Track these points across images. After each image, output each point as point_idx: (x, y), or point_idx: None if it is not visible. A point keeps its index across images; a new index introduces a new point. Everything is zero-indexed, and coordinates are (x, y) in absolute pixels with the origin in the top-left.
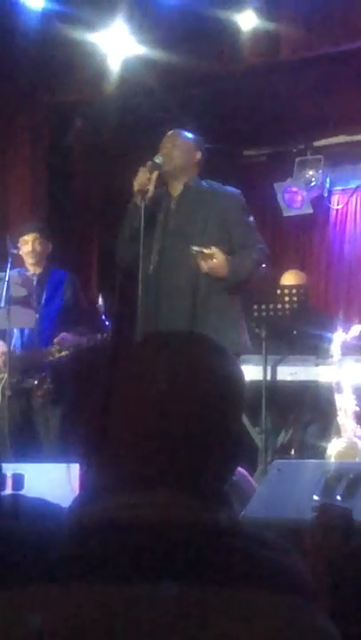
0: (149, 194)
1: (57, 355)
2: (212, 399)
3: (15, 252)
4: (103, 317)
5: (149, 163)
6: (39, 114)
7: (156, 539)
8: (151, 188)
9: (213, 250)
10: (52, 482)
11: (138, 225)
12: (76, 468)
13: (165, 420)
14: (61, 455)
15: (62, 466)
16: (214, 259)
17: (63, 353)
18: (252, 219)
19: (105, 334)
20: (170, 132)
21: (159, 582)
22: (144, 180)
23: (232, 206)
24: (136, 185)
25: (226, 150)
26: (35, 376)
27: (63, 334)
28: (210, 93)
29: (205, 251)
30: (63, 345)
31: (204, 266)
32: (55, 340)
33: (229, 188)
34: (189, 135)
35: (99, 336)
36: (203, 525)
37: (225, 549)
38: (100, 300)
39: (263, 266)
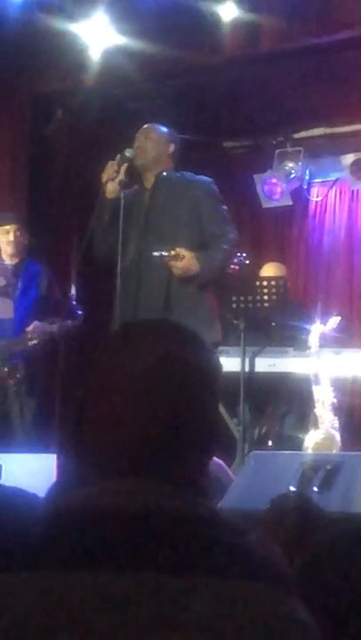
0: (116, 186)
1: (29, 343)
2: (188, 388)
3: None
4: (74, 305)
5: (118, 156)
6: (20, 104)
7: (133, 527)
8: (119, 179)
9: (178, 250)
10: (31, 472)
11: (108, 218)
12: (53, 459)
13: (141, 409)
14: (36, 445)
15: (41, 456)
16: (182, 258)
17: (35, 341)
18: (224, 207)
19: (75, 321)
20: (145, 126)
21: (135, 571)
22: (112, 172)
23: (204, 194)
24: (104, 177)
25: (206, 142)
26: (6, 364)
27: (35, 323)
28: (190, 84)
29: (169, 253)
30: (34, 333)
31: (175, 270)
32: (27, 329)
33: (201, 177)
34: (163, 128)
35: (69, 323)
36: (179, 514)
37: (202, 538)
38: (73, 289)
39: (238, 255)
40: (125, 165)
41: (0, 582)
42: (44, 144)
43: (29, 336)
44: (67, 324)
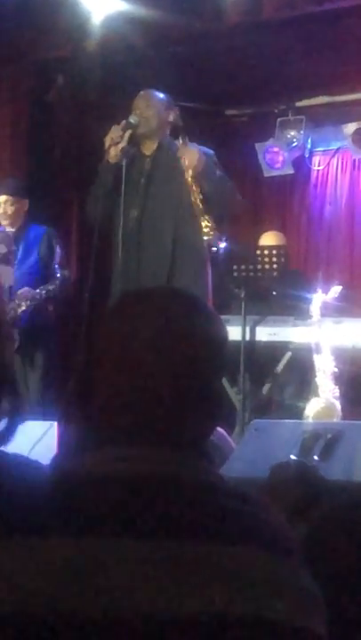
0: (118, 151)
1: (18, 310)
2: (193, 356)
3: None
4: (56, 267)
5: (124, 122)
6: (21, 70)
7: (137, 493)
8: (122, 145)
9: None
10: (32, 440)
11: (109, 183)
12: (54, 426)
13: (146, 376)
14: (41, 414)
15: (41, 424)
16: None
17: (22, 307)
18: (222, 174)
19: (58, 283)
20: (142, 93)
21: (139, 537)
22: (116, 136)
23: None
24: (108, 141)
25: (207, 110)
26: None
27: (24, 288)
28: (192, 52)
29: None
30: (21, 299)
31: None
32: (17, 294)
33: (200, 147)
34: (161, 95)
35: (53, 286)
36: (184, 480)
37: (205, 504)
38: (58, 249)
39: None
40: (129, 132)
41: (7, 548)
42: (45, 110)
43: (17, 302)
44: (50, 287)
